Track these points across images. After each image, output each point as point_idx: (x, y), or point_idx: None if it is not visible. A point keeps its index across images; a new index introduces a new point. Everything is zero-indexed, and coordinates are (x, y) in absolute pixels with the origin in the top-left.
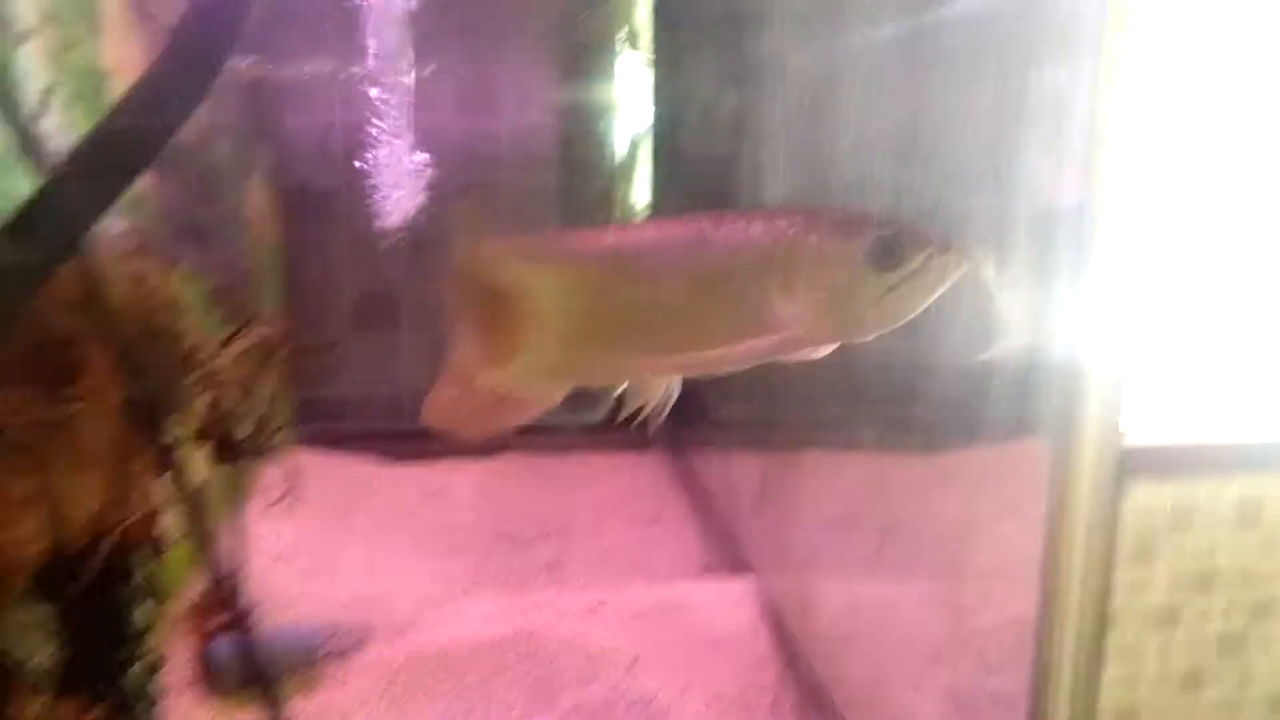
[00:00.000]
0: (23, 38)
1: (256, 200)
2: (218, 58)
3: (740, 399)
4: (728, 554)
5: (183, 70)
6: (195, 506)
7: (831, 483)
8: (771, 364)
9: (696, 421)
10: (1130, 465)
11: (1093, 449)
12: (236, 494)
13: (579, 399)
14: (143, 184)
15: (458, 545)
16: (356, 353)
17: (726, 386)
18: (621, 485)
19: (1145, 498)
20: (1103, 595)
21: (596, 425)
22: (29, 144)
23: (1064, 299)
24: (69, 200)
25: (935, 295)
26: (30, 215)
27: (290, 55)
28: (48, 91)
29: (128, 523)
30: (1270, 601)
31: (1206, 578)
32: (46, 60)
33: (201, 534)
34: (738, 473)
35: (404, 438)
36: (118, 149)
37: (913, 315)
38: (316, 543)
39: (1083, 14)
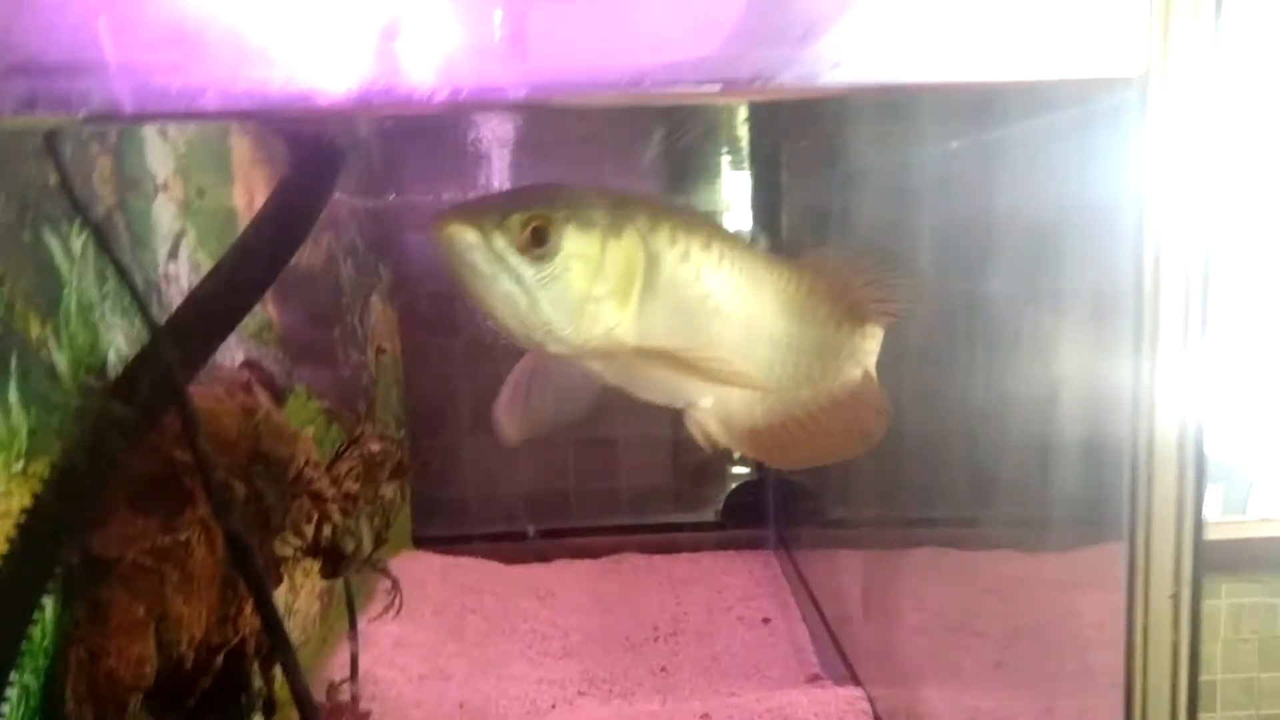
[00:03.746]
0: (155, 191)
1: (377, 316)
2: (299, 229)
3: (848, 498)
4: (835, 660)
5: (267, 238)
6: (278, 627)
7: (931, 588)
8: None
9: (809, 520)
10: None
11: (1165, 546)
12: (352, 602)
13: (690, 500)
14: (268, 310)
15: (570, 648)
16: (473, 457)
17: (838, 485)
18: (733, 585)
19: None
20: (1191, 705)
21: (708, 524)
22: (139, 301)
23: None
24: (168, 360)
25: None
26: (134, 375)
27: (409, 182)
28: (178, 236)
29: (236, 640)
30: None
31: None
32: (179, 209)
33: (287, 652)
34: (843, 575)
35: (520, 539)
36: (210, 312)
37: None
38: (430, 647)
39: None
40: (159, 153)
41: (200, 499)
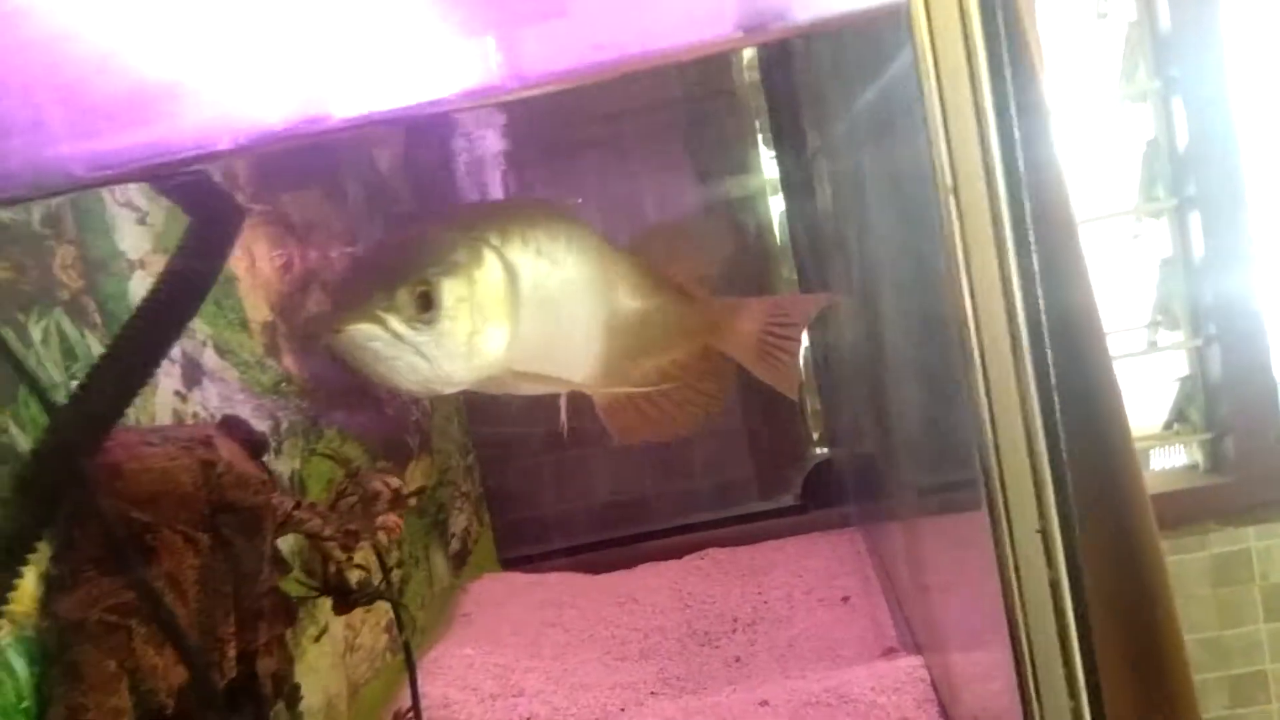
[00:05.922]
0: (131, 270)
1: None
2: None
3: (893, 468)
4: (908, 632)
5: (152, 316)
6: (195, 661)
7: (939, 554)
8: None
9: (875, 495)
10: None
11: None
12: (403, 628)
13: (768, 487)
14: (283, 365)
15: (648, 649)
16: (547, 474)
17: (903, 456)
18: (815, 567)
19: None
20: (1084, 643)
21: (788, 509)
22: (38, 392)
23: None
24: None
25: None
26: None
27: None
28: None
29: (224, 682)
30: None
31: None
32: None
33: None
34: (897, 547)
35: (604, 547)
36: (122, 373)
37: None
38: (504, 666)
39: None
40: (131, 231)
41: (163, 555)
